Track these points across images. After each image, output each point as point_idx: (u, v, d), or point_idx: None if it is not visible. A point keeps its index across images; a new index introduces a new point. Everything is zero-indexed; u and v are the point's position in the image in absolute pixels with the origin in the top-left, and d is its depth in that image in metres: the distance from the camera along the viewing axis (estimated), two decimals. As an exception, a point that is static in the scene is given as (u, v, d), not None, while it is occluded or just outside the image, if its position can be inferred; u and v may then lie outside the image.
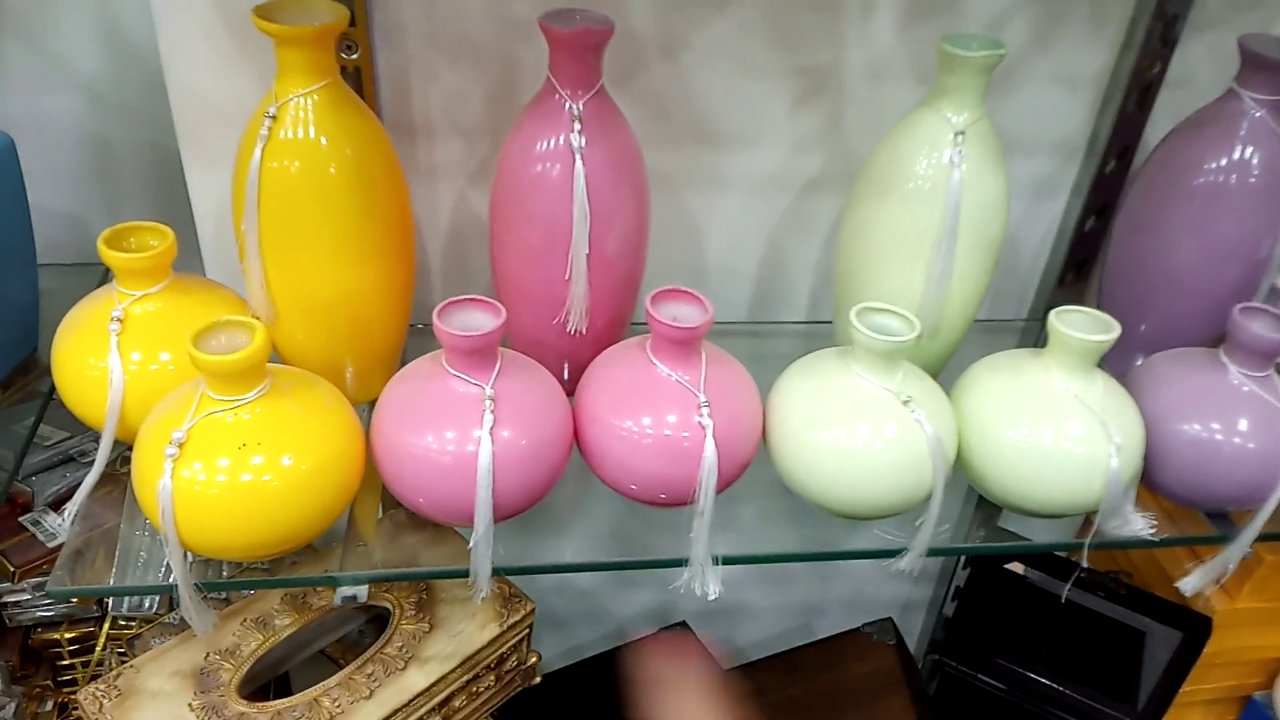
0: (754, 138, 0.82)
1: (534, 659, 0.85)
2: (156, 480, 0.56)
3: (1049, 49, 0.81)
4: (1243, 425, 0.66)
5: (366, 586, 0.65)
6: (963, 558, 1.06)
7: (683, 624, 1.00)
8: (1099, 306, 0.85)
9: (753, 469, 0.66)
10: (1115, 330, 0.64)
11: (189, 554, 0.59)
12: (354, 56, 0.70)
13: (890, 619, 1.08)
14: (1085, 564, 0.67)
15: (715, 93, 0.79)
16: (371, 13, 0.71)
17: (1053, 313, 0.65)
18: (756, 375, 0.69)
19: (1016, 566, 1.02)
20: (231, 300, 0.68)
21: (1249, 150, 0.73)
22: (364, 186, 0.63)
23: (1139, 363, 0.77)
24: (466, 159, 0.78)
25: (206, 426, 0.57)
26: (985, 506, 0.73)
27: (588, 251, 0.66)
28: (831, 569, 1.15)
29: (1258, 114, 0.73)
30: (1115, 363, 0.82)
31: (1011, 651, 1.05)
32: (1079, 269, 0.91)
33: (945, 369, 0.76)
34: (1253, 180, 0.73)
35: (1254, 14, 0.82)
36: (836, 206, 0.84)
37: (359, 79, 0.71)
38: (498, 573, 0.65)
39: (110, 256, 0.63)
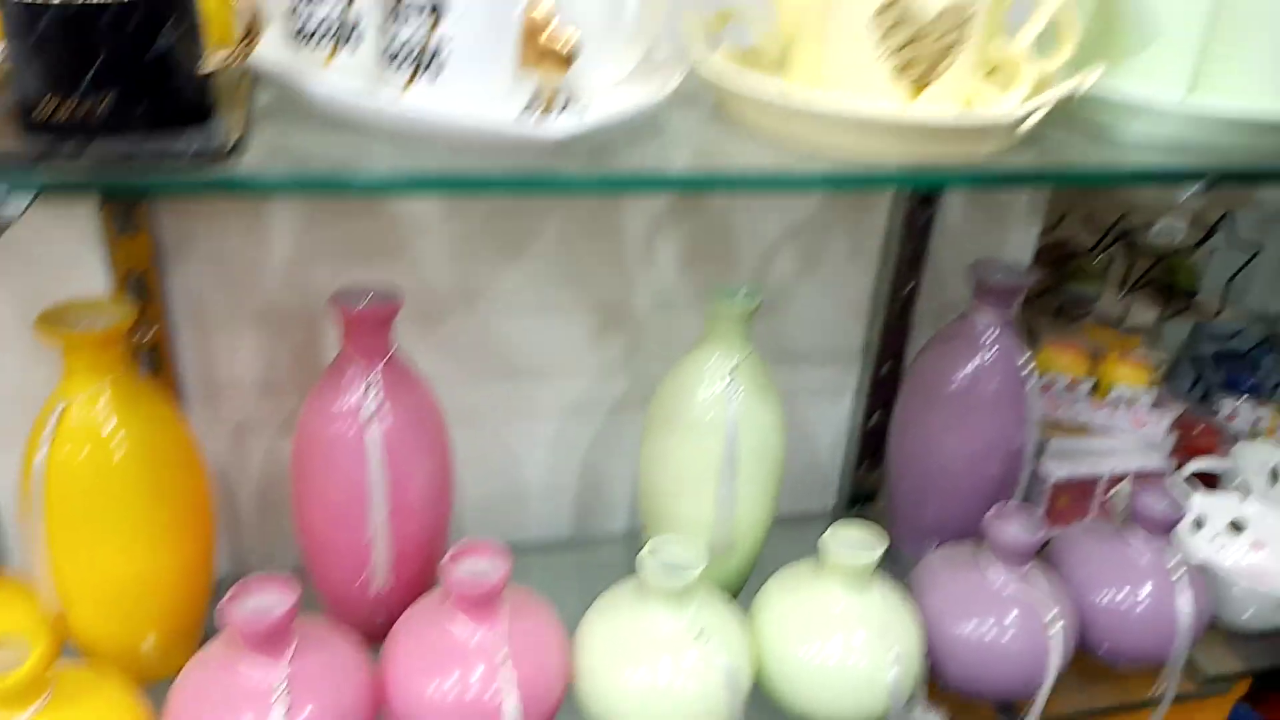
0: (558, 369, 0.87)
1: None
2: (-75, 808, 0.54)
3: (818, 274, 0.90)
4: (1007, 621, 0.72)
5: None
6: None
7: None
8: (890, 495, 0.92)
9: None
10: (879, 549, 0.69)
11: None
12: (151, 332, 0.72)
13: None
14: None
15: (518, 331, 0.84)
16: (168, 287, 0.73)
17: (827, 533, 0.70)
18: (582, 586, 0.72)
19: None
20: (23, 595, 0.67)
21: (989, 359, 0.82)
22: (152, 471, 0.64)
23: (932, 548, 0.83)
24: (274, 413, 0.80)
25: (-19, 746, 0.55)
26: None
27: (388, 511, 0.68)
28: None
29: (995, 330, 0.82)
30: (912, 546, 0.89)
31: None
32: (873, 458, 0.99)
33: (756, 569, 0.81)
34: (995, 387, 0.82)
35: (986, 238, 0.93)
36: (642, 424, 0.90)
37: (156, 351, 0.73)
38: None
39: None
